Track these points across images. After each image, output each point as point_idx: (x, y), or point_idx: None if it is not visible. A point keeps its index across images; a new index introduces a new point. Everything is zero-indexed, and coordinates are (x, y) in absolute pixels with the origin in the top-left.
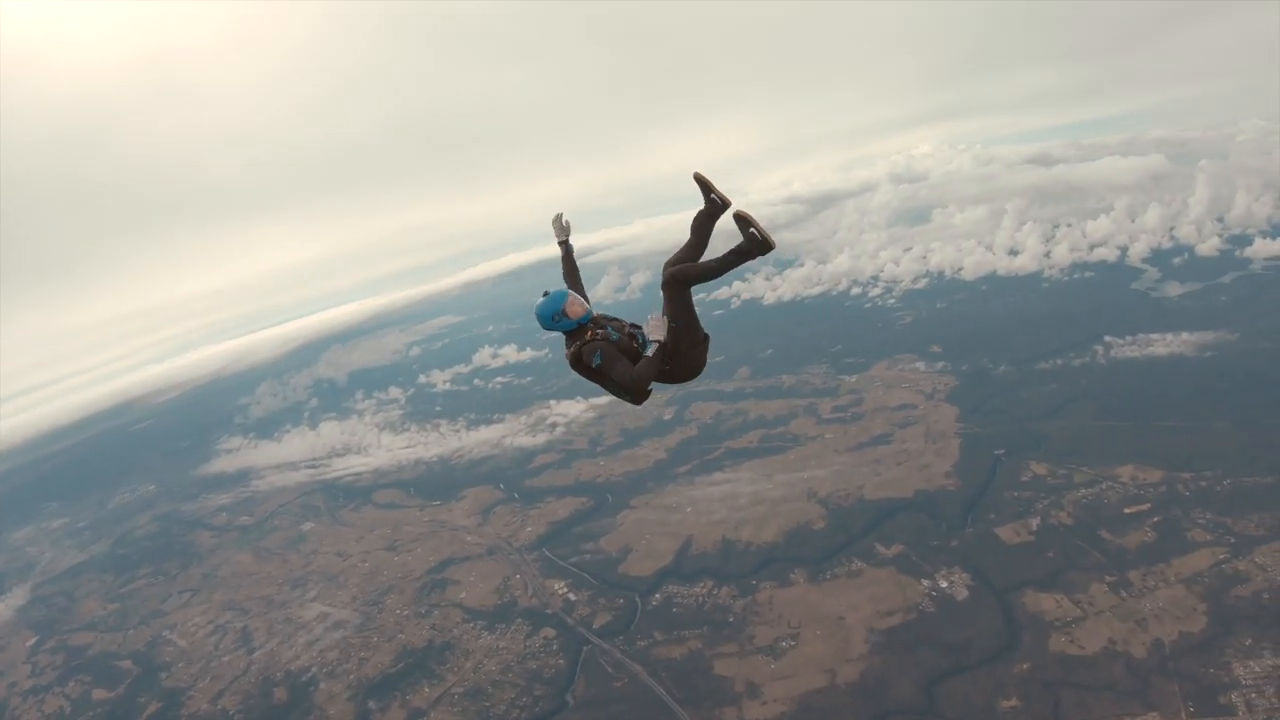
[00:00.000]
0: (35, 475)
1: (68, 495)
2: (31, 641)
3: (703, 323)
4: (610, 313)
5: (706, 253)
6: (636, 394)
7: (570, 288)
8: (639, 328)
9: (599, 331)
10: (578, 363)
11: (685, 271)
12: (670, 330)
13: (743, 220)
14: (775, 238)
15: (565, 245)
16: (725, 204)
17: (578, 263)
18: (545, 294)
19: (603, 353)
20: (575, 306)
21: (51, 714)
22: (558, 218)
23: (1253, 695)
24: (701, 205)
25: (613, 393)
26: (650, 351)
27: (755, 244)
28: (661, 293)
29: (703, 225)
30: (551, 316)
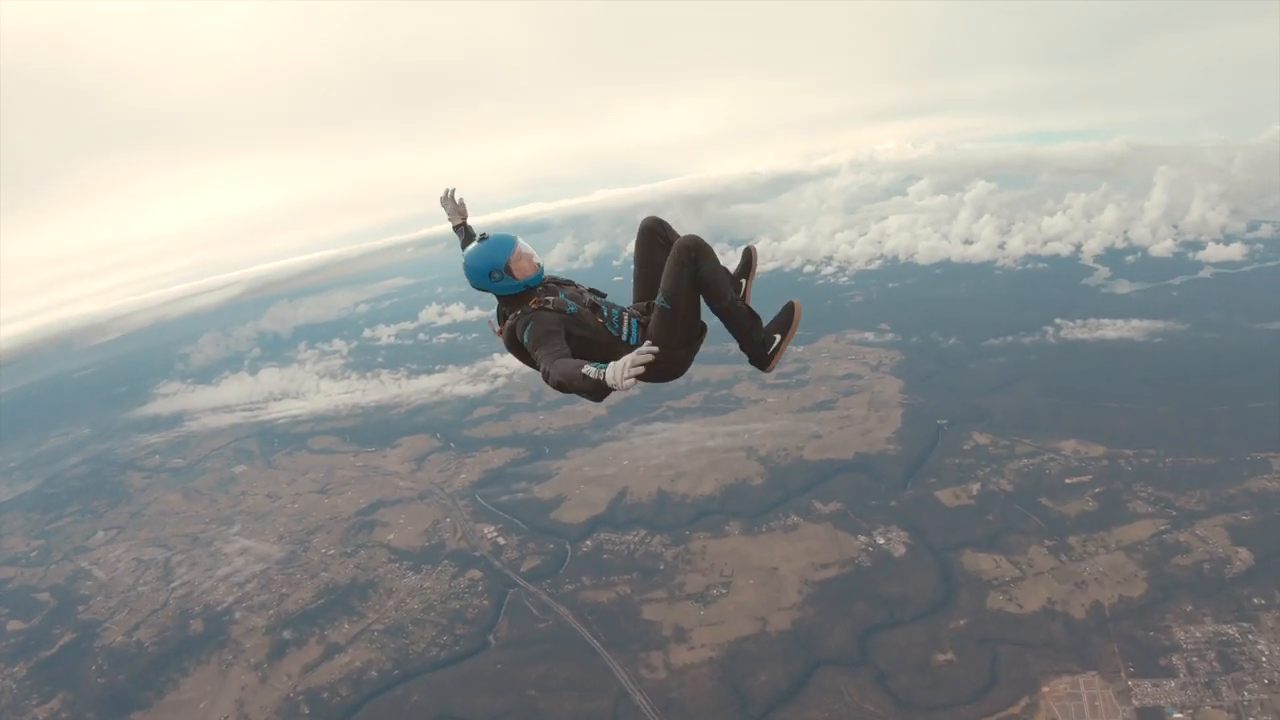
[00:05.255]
0: None
1: (0, 436)
2: None
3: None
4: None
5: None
6: (585, 390)
7: None
8: (602, 295)
9: (547, 300)
10: (514, 343)
11: (708, 257)
12: (659, 314)
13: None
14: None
15: (462, 229)
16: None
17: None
18: (482, 238)
19: (534, 324)
20: (523, 262)
21: None
22: (448, 195)
23: (1194, 659)
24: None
25: (557, 387)
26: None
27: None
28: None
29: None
30: (488, 272)
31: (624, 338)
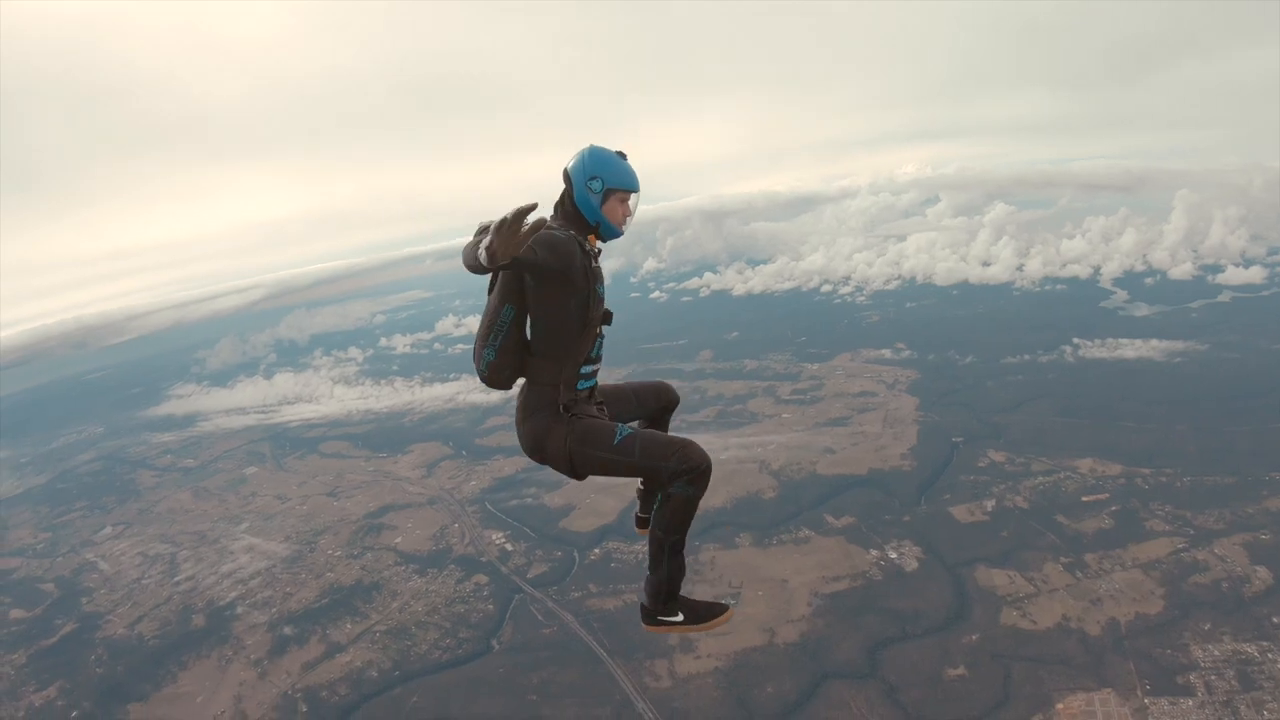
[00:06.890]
0: None
1: (13, 432)
2: None
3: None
4: None
5: None
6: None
7: None
8: (607, 320)
9: (591, 254)
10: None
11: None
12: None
13: None
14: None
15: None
16: None
17: None
18: (622, 154)
19: (561, 244)
20: (620, 208)
21: None
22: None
23: (1212, 677)
24: None
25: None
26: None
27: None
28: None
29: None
30: (594, 175)
31: (591, 359)
